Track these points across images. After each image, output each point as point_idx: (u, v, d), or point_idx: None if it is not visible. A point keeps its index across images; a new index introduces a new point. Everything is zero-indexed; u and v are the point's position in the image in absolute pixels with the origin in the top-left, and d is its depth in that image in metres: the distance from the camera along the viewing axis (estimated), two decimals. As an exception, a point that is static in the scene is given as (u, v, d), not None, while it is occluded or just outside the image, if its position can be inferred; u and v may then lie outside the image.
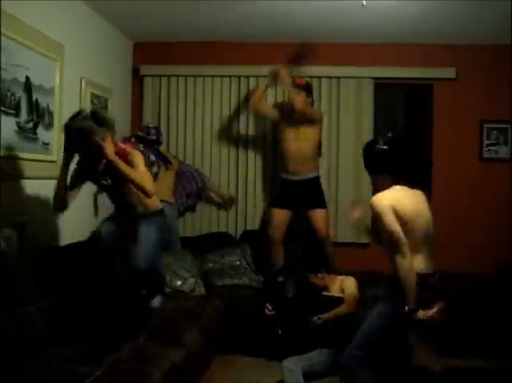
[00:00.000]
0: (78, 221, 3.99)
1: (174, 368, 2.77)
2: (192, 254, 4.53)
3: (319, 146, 4.64)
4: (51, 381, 2.34)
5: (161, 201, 4.24)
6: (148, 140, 4.54)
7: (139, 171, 3.26)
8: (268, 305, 3.92)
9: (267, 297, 4.09)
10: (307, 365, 3.36)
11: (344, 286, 3.74)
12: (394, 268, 2.72)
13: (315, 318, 3.60)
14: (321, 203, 4.54)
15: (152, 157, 4.38)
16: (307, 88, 4.52)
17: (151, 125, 4.74)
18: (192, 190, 4.86)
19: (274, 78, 4.54)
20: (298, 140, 4.47)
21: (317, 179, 4.57)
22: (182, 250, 4.60)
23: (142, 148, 4.33)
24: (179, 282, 4.20)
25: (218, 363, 3.82)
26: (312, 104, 4.64)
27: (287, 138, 4.53)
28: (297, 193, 4.49)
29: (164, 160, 4.61)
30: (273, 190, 4.95)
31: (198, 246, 4.71)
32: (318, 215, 4.48)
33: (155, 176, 4.26)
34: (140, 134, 4.61)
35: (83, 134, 3.07)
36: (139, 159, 3.32)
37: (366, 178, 5.02)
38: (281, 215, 4.56)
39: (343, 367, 2.87)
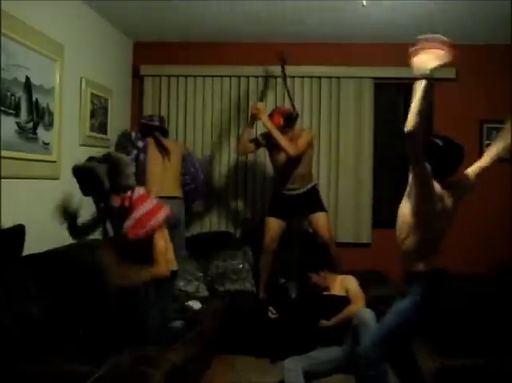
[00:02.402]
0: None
1: (174, 368, 2.76)
2: (196, 262, 4.50)
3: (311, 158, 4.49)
4: (52, 381, 2.34)
5: (167, 197, 4.16)
6: (151, 126, 4.53)
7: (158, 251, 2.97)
8: (271, 308, 3.90)
9: (270, 300, 4.07)
10: (308, 365, 3.36)
11: (347, 284, 3.69)
12: None
13: (324, 322, 3.57)
14: (321, 208, 4.40)
15: (140, 143, 4.42)
16: (288, 121, 4.31)
17: (155, 114, 4.82)
18: (197, 183, 4.67)
19: (253, 118, 4.34)
20: (291, 163, 4.28)
21: (313, 188, 4.43)
22: (185, 259, 4.44)
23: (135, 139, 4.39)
24: (182, 283, 4.21)
25: (218, 363, 3.82)
26: (294, 118, 4.40)
27: (279, 161, 4.38)
28: (294, 204, 4.36)
29: (163, 149, 4.49)
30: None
31: (200, 247, 4.69)
32: (319, 218, 4.34)
33: (142, 168, 4.32)
34: (143, 121, 4.63)
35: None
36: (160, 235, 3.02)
37: (366, 178, 5.07)
38: (276, 226, 4.40)
39: (362, 358, 2.85)
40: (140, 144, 4.48)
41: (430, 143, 2.82)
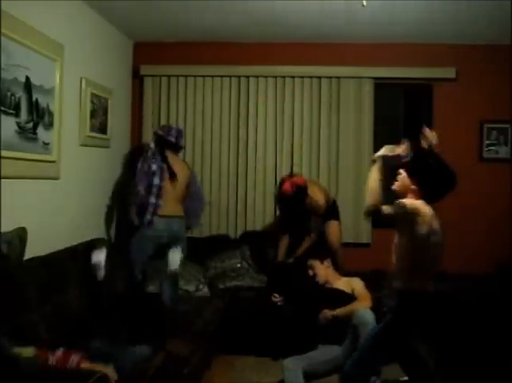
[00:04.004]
0: (79, 222, 3.99)
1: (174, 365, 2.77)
2: (195, 264, 4.50)
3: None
4: (53, 380, 2.34)
5: (169, 216, 4.12)
6: (166, 141, 4.23)
7: None
8: (275, 294, 3.98)
9: (273, 286, 4.11)
10: (307, 365, 3.35)
11: (353, 285, 3.76)
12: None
13: (327, 311, 3.59)
14: (335, 217, 4.58)
15: (154, 167, 4.05)
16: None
17: (174, 126, 4.52)
18: (198, 209, 4.56)
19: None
20: None
21: (332, 205, 4.60)
22: (184, 262, 4.35)
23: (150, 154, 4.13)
24: (182, 281, 4.23)
25: (218, 363, 3.82)
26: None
27: None
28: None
29: (170, 171, 4.17)
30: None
31: (198, 251, 4.68)
32: (331, 226, 4.53)
33: (159, 189, 4.03)
34: (160, 132, 4.29)
35: None
36: None
37: (366, 178, 5.05)
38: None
39: (344, 375, 2.85)
40: (158, 157, 4.16)
41: (426, 164, 2.82)
